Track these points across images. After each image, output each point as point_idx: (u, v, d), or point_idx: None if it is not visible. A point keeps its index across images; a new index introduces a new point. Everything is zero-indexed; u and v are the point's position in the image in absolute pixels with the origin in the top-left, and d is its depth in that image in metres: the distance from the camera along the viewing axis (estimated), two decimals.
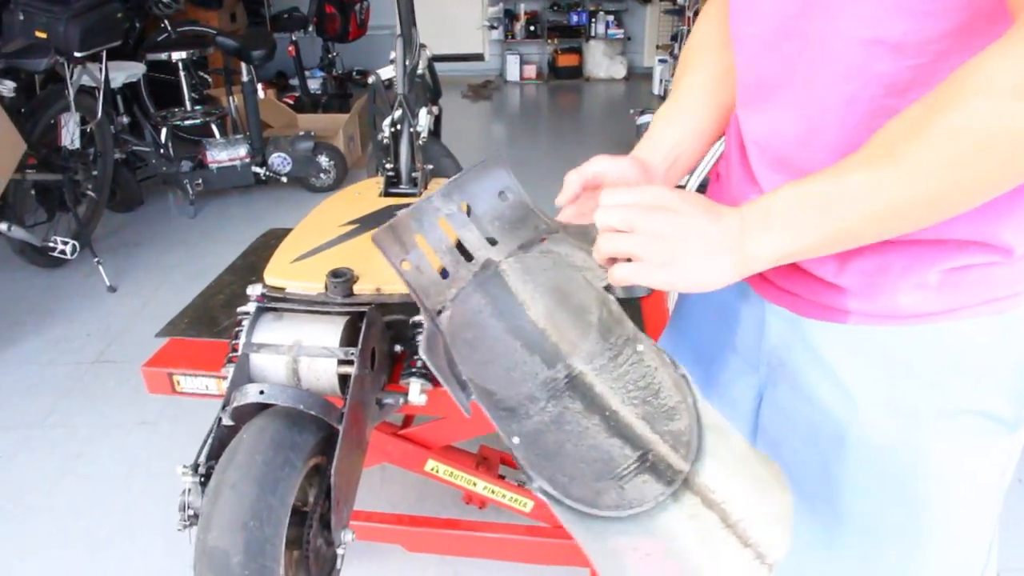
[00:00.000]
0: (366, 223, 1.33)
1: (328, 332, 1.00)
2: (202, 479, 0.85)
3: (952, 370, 0.64)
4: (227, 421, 0.89)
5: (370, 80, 2.33)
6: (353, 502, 0.94)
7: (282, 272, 1.15)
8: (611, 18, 7.06)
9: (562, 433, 0.68)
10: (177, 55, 3.72)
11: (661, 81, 5.96)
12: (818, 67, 0.60)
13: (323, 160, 3.96)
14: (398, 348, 1.11)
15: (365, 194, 1.52)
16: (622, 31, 7.11)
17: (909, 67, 0.55)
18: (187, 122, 3.88)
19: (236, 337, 1.03)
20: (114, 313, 2.86)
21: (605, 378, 0.70)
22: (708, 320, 0.85)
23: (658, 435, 0.66)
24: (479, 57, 7.28)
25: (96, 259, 3.01)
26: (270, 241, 1.55)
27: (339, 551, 0.88)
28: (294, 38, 5.02)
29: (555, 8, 7.08)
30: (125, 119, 3.69)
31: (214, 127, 3.92)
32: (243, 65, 3.64)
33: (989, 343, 0.62)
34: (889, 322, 0.64)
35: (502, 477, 1.47)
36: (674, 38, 5.91)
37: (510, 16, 7.10)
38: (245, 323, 1.02)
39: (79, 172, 3.11)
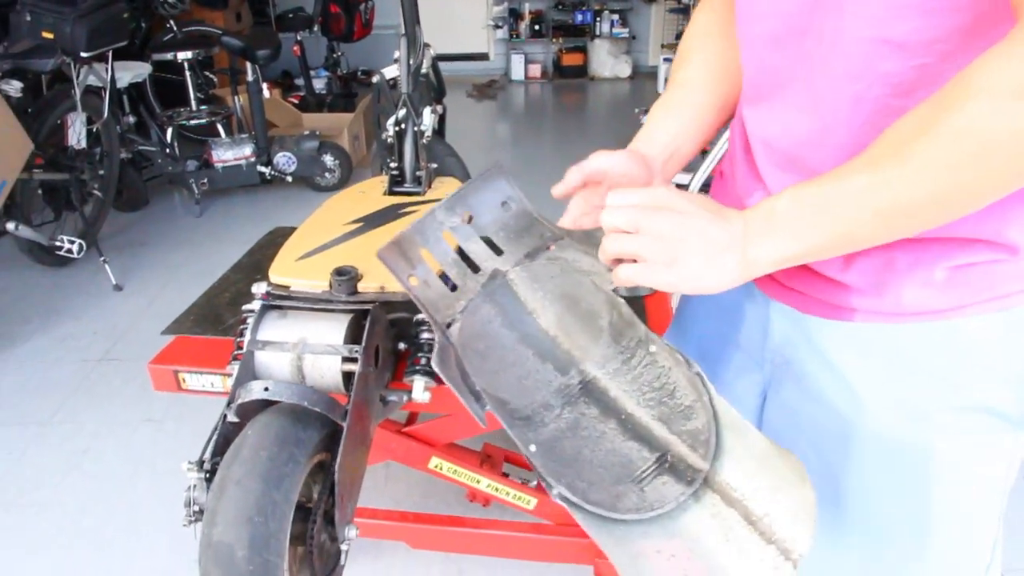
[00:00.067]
0: (370, 222, 1.33)
1: (332, 330, 1.00)
2: (207, 475, 0.85)
3: (958, 367, 0.63)
4: (232, 418, 0.90)
5: (374, 79, 2.33)
6: (357, 498, 0.94)
7: (287, 270, 1.15)
8: (616, 17, 7.05)
9: (579, 439, 0.68)
10: (183, 55, 3.73)
11: (666, 80, 5.93)
12: (824, 66, 0.60)
13: (328, 159, 3.97)
14: (402, 346, 1.11)
15: (369, 193, 1.53)
16: (627, 30, 7.10)
17: (915, 67, 0.55)
18: (193, 122, 3.89)
19: (241, 335, 1.04)
20: (120, 312, 2.88)
21: (619, 381, 0.70)
22: (712, 318, 0.85)
23: (676, 435, 0.66)
24: (484, 56, 7.28)
25: (102, 258, 3.03)
26: (275, 240, 1.56)
27: (343, 547, 0.89)
28: (299, 38, 5.03)
29: (560, 7, 7.08)
30: (131, 119, 3.71)
31: (219, 127, 3.93)
32: (248, 65, 3.65)
33: (995, 340, 0.62)
34: (895, 319, 0.64)
35: (506, 475, 1.47)
36: (679, 37, 5.87)
37: (515, 15, 7.11)
38: (250, 321, 1.02)
39: (85, 172, 3.13)
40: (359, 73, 5.90)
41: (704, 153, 2.65)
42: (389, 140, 1.71)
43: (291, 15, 5.18)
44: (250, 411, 0.89)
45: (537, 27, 7.10)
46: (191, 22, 4.30)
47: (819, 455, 0.71)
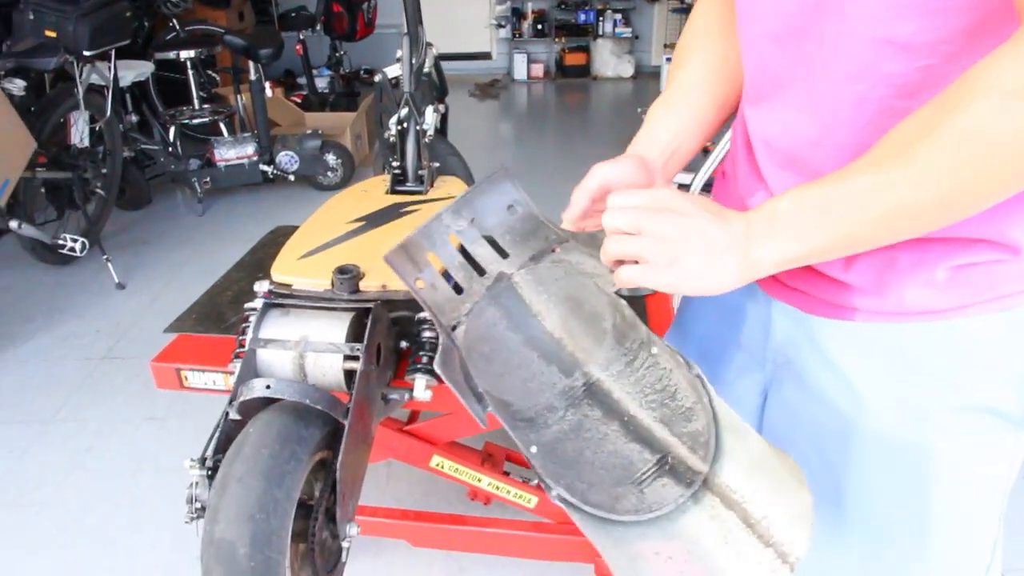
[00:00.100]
0: (372, 221, 1.33)
1: (334, 328, 1.00)
2: (209, 472, 0.86)
3: (959, 367, 0.63)
4: (234, 415, 0.90)
5: (377, 79, 2.34)
6: (358, 496, 0.94)
7: (289, 269, 1.15)
8: (619, 16, 7.05)
9: (581, 441, 0.69)
10: (185, 54, 3.73)
11: None
12: (828, 67, 0.60)
13: (330, 158, 3.98)
14: (403, 344, 1.11)
15: (371, 192, 1.53)
16: (630, 30, 7.10)
17: (919, 68, 0.55)
18: (195, 120, 3.90)
19: (243, 333, 1.04)
20: (123, 310, 2.88)
21: (623, 384, 0.70)
22: (714, 317, 0.85)
23: (676, 437, 0.66)
24: (486, 56, 7.28)
25: (105, 256, 3.03)
26: (277, 238, 1.56)
27: (344, 544, 0.89)
28: (302, 37, 5.03)
29: (562, 6, 7.08)
30: (134, 118, 3.72)
31: (222, 125, 3.93)
32: (251, 64, 3.65)
33: (996, 340, 0.62)
34: (896, 319, 0.63)
35: (507, 473, 1.48)
36: None
37: (517, 15, 7.11)
38: (252, 319, 1.02)
39: (88, 170, 3.13)
40: (361, 72, 5.91)
41: (706, 152, 2.65)
42: (391, 139, 1.71)
43: (294, 14, 5.19)
44: (252, 409, 0.89)
45: (540, 26, 7.10)
46: (194, 21, 4.30)
47: (820, 454, 0.71)
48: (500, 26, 7.10)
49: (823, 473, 0.71)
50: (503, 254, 0.78)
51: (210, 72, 4.35)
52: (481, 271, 0.79)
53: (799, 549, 0.57)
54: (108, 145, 3.31)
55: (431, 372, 1.02)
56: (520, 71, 7.13)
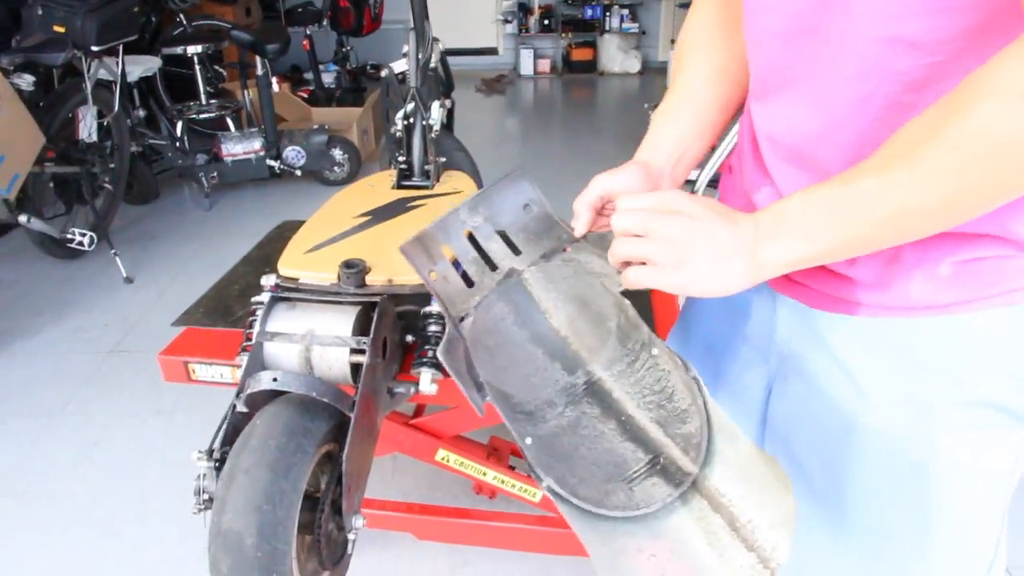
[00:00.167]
0: (379, 215, 1.34)
1: (341, 321, 1.01)
2: (217, 464, 0.86)
3: (963, 362, 0.63)
4: (241, 408, 0.91)
5: (383, 74, 2.34)
6: (364, 489, 0.95)
7: (296, 263, 1.16)
8: (625, 12, 7.03)
9: (577, 437, 0.69)
10: (192, 49, 3.74)
11: None
12: (834, 63, 0.60)
13: (337, 153, 3.98)
14: (409, 338, 1.12)
15: (378, 186, 1.53)
16: (636, 25, 7.08)
17: (926, 65, 0.55)
18: (202, 116, 3.91)
19: (250, 326, 1.05)
20: (131, 304, 2.90)
21: (623, 384, 0.71)
22: (719, 312, 0.85)
23: (670, 438, 0.67)
24: (493, 51, 7.28)
25: (113, 251, 3.05)
26: (284, 233, 1.57)
27: (350, 536, 0.90)
28: (308, 32, 5.04)
29: (569, 2, 7.07)
30: (141, 113, 3.73)
31: (229, 121, 3.95)
32: (258, 59, 3.66)
33: (1001, 335, 0.62)
34: (900, 314, 0.64)
35: (512, 467, 1.48)
36: None
37: (524, 10, 7.10)
38: (259, 312, 1.03)
39: (96, 165, 3.15)
40: (368, 67, 5.91)
41: (713, 149, 2.65)
42: (398, 134, 1.71)
43: (300, 9, 5.19)
44: (259, 401, 0.90)
45: (546, 22, 7.09)
46: (201, 16, 4.31)
47: (822, 448, 0.71)
48: (507, 21, 7.09)
49: (826, 467, 0.71)
50: (515, 251, 0.79)
51: (217, 67, 4.36)
52: (493, 266, 0.80)
53: (780, 555, 0.58)
54: (116, 140, 3.33)
55: (437, 366, 1.03)
56: (526, 66, 7.12)
